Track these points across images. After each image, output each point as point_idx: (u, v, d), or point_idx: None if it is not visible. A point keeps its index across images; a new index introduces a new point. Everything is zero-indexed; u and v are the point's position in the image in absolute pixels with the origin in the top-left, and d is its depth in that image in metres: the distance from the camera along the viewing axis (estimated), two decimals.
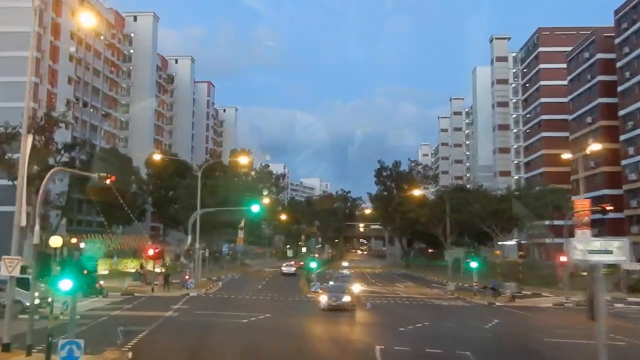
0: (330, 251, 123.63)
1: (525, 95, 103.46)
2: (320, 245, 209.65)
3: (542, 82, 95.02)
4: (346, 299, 33.89)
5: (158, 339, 22.88)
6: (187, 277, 44.11)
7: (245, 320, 28.19)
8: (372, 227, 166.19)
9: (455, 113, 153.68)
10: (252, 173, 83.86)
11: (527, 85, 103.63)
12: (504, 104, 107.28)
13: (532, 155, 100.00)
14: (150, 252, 41.05)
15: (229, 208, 61.69)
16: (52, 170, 23.69)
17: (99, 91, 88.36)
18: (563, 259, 43.62)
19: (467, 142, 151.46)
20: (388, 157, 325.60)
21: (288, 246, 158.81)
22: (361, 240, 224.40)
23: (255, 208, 45.18)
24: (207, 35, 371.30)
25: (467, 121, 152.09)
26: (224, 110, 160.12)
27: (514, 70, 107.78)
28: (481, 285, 47.60)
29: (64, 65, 73.99)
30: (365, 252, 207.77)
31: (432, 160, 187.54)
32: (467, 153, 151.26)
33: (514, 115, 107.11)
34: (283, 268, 73.90)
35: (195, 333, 24.27)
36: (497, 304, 40.42)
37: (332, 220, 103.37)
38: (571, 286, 43.68)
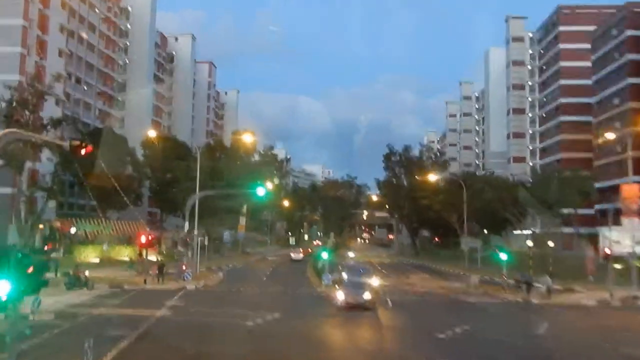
0: (334, 239, 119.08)
1: (543, 78, 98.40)
2: (320, 233, 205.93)
3: (562, 63, 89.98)
4: (366, 295, 29.17)
5: (141, 351, 18.15)
6: (184, 267, 39.37)
7: (250, 323, 23.31)
8: (376, 214, 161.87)
9: (465, 98, 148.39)
10: (256, 156, 78.66)
11: (545, 67, 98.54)
12: (520, 87, 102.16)
13: (548, 141, 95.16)
14: (143, 239, 36.31)
15: (231, 192, 56.87)
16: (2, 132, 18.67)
17: (94, 67, 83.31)
18: (607, 250, 39.04)
19: (477, 128, 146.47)
20: (392, 145, 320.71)
21: (290, 234, 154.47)
22: (363, 227, 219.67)
23: (260, 191, 40.34)
24: (207, 19, 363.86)
25: (477, 106, 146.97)
26: (226, 93, 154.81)
27: (531, 52, 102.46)
28: (510, 278, 42.79)
29: (54, 37, 68.73)
30: (367, 241, 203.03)
31: (439, 147, 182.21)
32: (477, 139, 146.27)
33: (529, 99, 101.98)
34: (292, 255, 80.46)
35: (189, 342, 19.50)
36: (534, 301, 35.66)
37: (337, 207, 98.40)
38: (603, 280, 39.21)
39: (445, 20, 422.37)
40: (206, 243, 50.01)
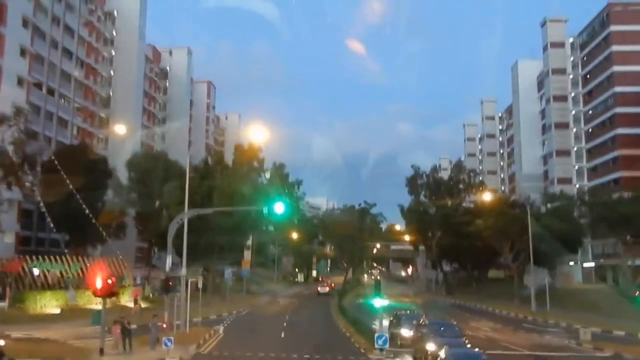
0: (345, 275, 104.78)
1: (590, 87, 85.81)
2: (328, 269, 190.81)
3: (616, 68, 77.50)
4: None
5: None
6: (162, 325, 25.84)
7: None
8: (392, 247, 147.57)
9: (487, 118, 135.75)
10: (263, 176, 65.42)
11: (590, 75, 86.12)
12: (562, 98, 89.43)
13: (600, 158, 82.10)
14: (98, 283, 22.93)
15: (231, 208, 43.85)
16: None
17: (71, 77, 70.68)
18: None
19: (501, 151, 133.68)
20: (399, 176, 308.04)
21: (297, 269, 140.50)
22: (371, 262, 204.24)
23: (279, 208, 27.12)
24: (207, 50, 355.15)
25: (500, 127, 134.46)
26: (226, 117, 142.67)
27: (572, 59, 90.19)
28: None
29: (13, 30, 56.05)
30: (379, 277, 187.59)
31: (451, 175, 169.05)
32: (502, 163, 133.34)
33: (573, 112, 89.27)
34: (319, 289, 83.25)
35: None
36: None
37: (351, 239, 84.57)
38: None
39: (451, 50, 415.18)
40: (200, 286, 36.24)
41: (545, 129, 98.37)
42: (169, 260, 26.49)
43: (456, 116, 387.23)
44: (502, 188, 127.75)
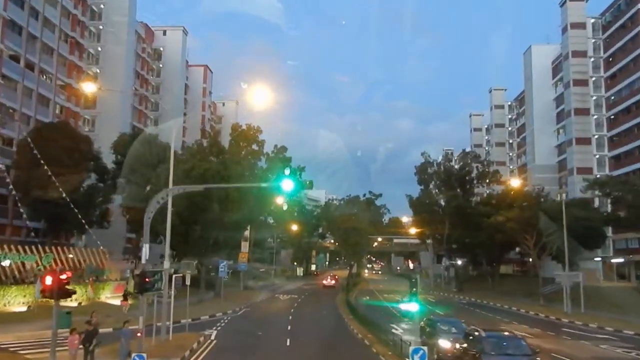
0: (350, 270, 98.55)
1: (613, 70, 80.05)
2: (326, 263, 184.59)
3: None
4: None
5: None
6: (138, 334, 20.00)
7: None
8: (395, 240, 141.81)
9: (497, 107, 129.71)
10: (262, 160, 59.27)
11: (613, 58, 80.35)
12: (582, 83, 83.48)
13: (624, 147, 76.42)
14: (48, 280, 17.20)
15: (227, 185, 38.11)
16: None
17: (53, 51, 64.61)
18: None
19: (510, 141, 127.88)
20: (399, 172, 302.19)
21: (295, 263, 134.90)
22: (371, 257, 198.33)
23: (287, 185, 21.36)
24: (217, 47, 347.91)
25: (509, 116, 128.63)
26: (223, 104, 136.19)
27: (593, 41, 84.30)
28: None
29: None
30: (380, 272, 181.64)
31: (457, 167, 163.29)
32: (510, 154, 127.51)
33: (594, 98, 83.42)
34: (324, 282, 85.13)
35: None
36: None
37: (357, 231, 78.51)
38: None
39: (455, 45, 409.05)
40: (188, 283, 30.40)
41: (560, 116, 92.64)
42: (145, 250, 20.65)
43: (458, 113, 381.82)
44: (510, 179, 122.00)
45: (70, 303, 39.24)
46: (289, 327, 33.45)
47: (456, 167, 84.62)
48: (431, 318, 27.33)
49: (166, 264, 23.72)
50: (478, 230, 68.01)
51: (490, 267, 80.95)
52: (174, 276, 24.74)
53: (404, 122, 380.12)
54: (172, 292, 24.68)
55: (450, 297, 68.29)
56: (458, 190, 78.54)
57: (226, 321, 36.27)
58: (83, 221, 47.37)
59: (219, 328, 32.13)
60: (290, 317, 39.57)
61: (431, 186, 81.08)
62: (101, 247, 48.84)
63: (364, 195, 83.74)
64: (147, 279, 20.03)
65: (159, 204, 21.92)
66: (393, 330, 31.09)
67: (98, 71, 75.67)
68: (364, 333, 30.51)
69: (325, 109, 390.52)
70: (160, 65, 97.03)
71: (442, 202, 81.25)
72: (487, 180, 79.25)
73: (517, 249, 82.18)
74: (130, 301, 38.36)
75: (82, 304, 40.13)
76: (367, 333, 30.15)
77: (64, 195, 45.23)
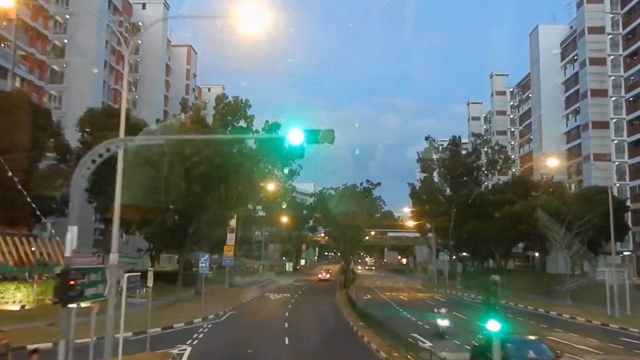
0: (347, 265, 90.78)
1: (633, 48, 73.28)
2: (315, 258, 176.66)
3: None
4: None
5: None
6: (33, 356, 12.54)
7: None
8: (389, 234, 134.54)
9: (498, 93, 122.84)
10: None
11: (633, 34, 73.59)
12: (599, 61, 76.74)
13: None
14: None
15: (209, 137, 30.90)
16: None
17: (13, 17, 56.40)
18: None
19: (512, 129, 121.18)
20: (393, 168, 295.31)
21: (284, 258, 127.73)
22: (359, 252, 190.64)
23: (295, 136, 13.79)
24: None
25: (511, 103, 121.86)
26: (209, 90, 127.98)
27: (611, 16, 77.47)
28: None
29: None
30: (373, 267, 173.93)
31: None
32: (512, 142, 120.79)
33: (612, 78, 76.67)
34: (319, 276, 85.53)
35: None
36: None
37: (355, 223, 70.91)
38: None
39: (456, 42, 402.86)
40: (150, 284, 22.65)
41: (570, 100, 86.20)
42: (71, 235, 13.19)
43: (453, 107, 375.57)
44: (513, 170, 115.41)
45: (12, 307, 31.67)
46: (287, 341, 26.07)
47: (463, 152, 77.59)
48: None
49: (113, 256, 16.15)
50: (490, 222, 61.03)
51: (500, 261, 73.86)
52: (126, 275, 17.16)
53: (393, 118, 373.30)
54: (124, 295, 17.14)
55: (458, 296, 61.31)
56: (465, 178, 71.52)
57: (206, 331, 28.72)
58: (35, 207, 39.56)
59: (195, 342, 24.63)
60: (286, 325, 32.12)
61: (435, 175, 73.92)
62: (57, 238, 41.11)
63: (361, 184, 76.23)
64: (72, 281, 12.49)
65: (101, 158, 14.46)
66: (422, 344, 23.82)
67: (66, 42, 67.40)
68: (385, 348, 23.21)
69: (317, 105, 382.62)
70: (139, 42, 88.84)
71: (447, 192, 74.26)
72: (498, 167, 72.11)
73: (520, 244, 76.01)
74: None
75: (27, 307, 32.43)
76: (391, 349, 22.87)
77: (10, 175, 37.46)
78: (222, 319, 34.34)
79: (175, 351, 21.47)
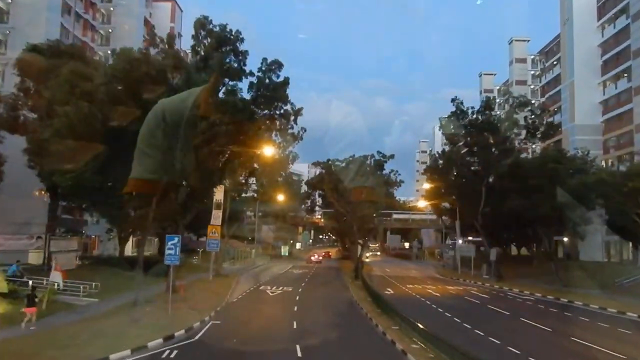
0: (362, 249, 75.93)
1: None
2: (310, 241, 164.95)
3: None
4: None
5: None
6: None
7: None
8: (394, 216, 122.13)
9: (518, 60, 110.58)
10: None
11: None
12: None
13: None
14: None
15: None
16: None
17: None
18: None
19: (533, 101, 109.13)
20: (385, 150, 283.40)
21: (280, 241, 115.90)
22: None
23: None
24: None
25: (532, 72, 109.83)
26: None
27: None
28: None
29: None
30: (377, 252, 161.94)
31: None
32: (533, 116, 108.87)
33: None
34: (312, 258, 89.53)
35: None
36: None
37: (368, 201, 58.44)
38: None
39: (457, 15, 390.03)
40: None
41: (608, 65, 75.01)
42: None
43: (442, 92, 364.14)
44: (533, 146, 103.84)
45: None
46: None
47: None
48: None
49: None
50: (538, 198, 49.26)
51: (549, 246, 61.46)
52: None
53: (383, 101, 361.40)
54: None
55: (497, 289, 49.74)
56: (500, 147, 59.75)
57: (184, 340, 16.77)
58: None
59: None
60: (299, 351, 19.97)
61: (466, 142, 61.85)
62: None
63: (371, 155, 64.02)
64: None
65: None
66: None
67: None
68: None
69: (305, 85, 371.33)
70: None
71: (476, 165, 62.51)
72: (539, 134, 60.43)
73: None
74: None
75: None
76: None
77: None
78: (197, 337, 21.84)
79: None
